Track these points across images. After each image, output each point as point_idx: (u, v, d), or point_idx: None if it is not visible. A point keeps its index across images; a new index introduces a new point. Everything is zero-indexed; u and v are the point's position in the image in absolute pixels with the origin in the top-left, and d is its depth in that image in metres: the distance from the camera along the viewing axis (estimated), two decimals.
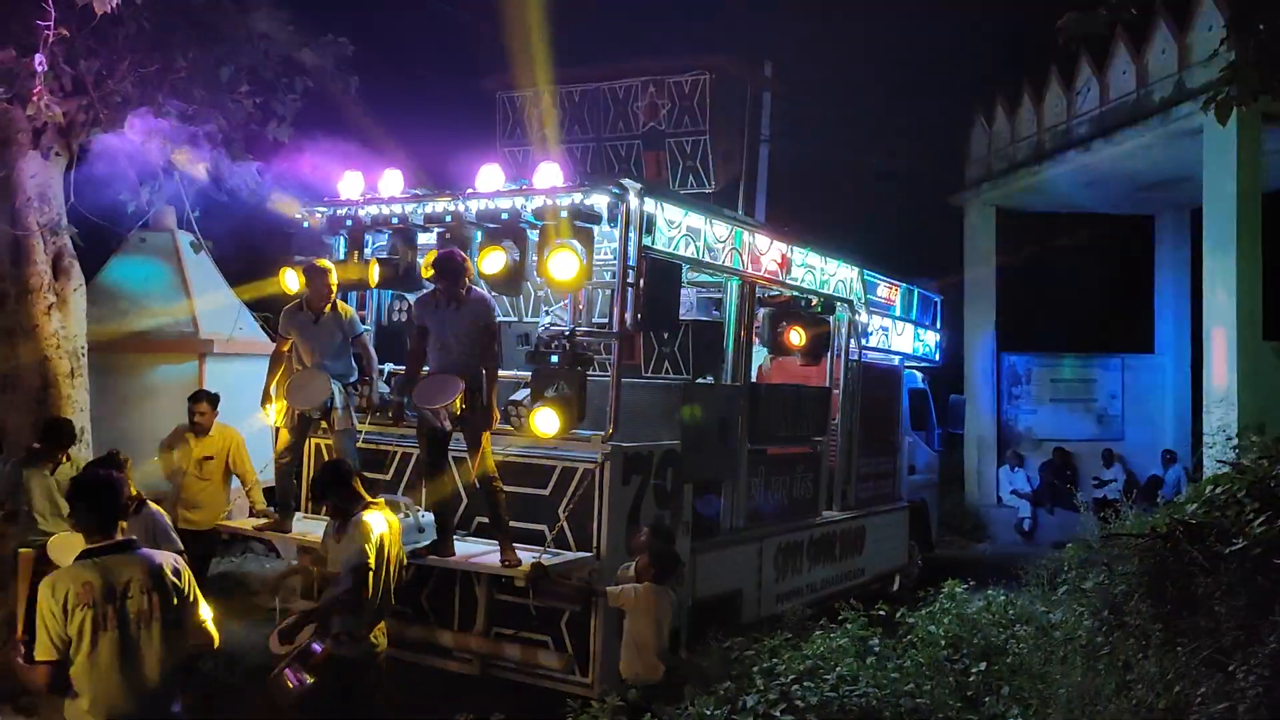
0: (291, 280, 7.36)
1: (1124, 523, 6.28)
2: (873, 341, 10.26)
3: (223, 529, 7.89)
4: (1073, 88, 14.56)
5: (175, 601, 3.97)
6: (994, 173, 16.36)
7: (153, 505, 6.21)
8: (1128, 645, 5.17)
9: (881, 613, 6.52)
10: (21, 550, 6.70)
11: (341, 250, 7.83)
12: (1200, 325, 12.37)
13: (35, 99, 6.93)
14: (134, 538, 4.12)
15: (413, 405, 6.55)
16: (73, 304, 8.08)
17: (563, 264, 6.40)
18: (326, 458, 7.09)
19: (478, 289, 6.61)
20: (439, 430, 6.49)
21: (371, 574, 4.99)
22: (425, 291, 6.75)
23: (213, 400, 8.12)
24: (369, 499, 5.36)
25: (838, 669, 5.44)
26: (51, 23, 6.71)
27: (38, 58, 6.78)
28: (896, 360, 11.14)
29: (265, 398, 7.27)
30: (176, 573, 4.02)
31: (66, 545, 6.27)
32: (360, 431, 7.12)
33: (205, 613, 4.11)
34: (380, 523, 5.20)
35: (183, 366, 10.43)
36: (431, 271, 6.58)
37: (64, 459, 7.10)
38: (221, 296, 11.04)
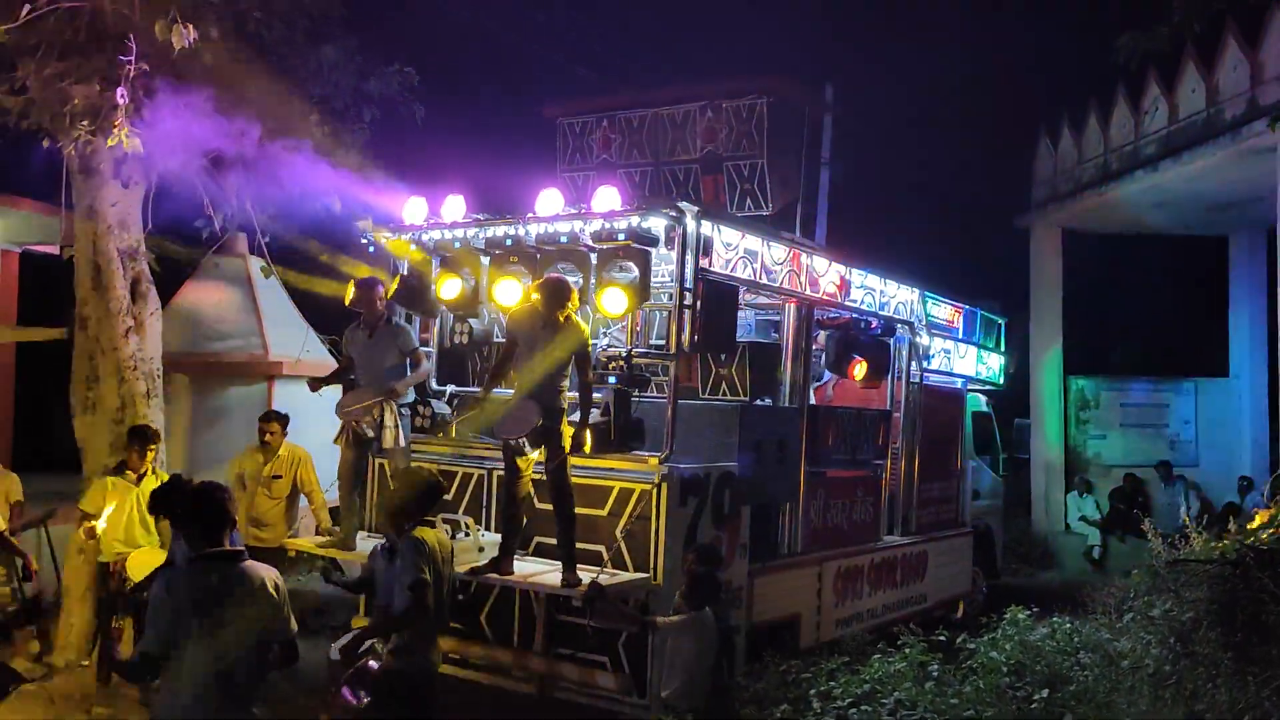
0: (351, 294, 7.48)
1: (1192, 549, 6.15)
2: (934, 364, 10.16)
3: (289, 547, 8.07)
4: (1140, 107, 14.32)
5: (271, 614, 4.19)
6: (1060, 194, 16.13)
7: None
8: (1196, 674, 5.07)
9: (942, 638, 6.43)
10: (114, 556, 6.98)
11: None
12: (1278, 347, 12.04)
13: (117, 130, 7.22)
14: (242, 549, 4.34)
15: (494, 433, 6.63)
16: (149, 327, 8.35)
17: (613, 300, 6.55)
18: (389, 476, 7.25)
19: (575, 317, 6.58)
20: (520, 452, 6.52)
21: (429, 589, 5.05)
22: (520, 308, 6.83)
23: (282, 420, 8.33)
24: (426, 518, 5.44)
25: (896, 694, 5.39)
26: (133, 58, 7.01)
27: (119, 91, 7.07)
28: (959, 383, 11.01)
29: None
30: (276, 588, 4.24)
31: (146, 559, 6.52)
32: (402, 447, 7.19)
33: (294, 628, 4.27)
34: (433, 541, 5.25)
35: (253, 388, 10.71)
36: (536, 294, 6.63)
37: (149, 472, 7.34)
38: (290, 320, 11.33)
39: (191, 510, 4.27)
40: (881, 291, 9.13)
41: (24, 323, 10.60)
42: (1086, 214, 15.91)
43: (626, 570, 6.53)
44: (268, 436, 8.24)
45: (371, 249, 8.00)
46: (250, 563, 4.26)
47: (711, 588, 5.89)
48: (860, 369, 8.89)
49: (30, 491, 7.95)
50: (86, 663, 7.33)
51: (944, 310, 10.46)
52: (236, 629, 4.08)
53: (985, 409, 11.97)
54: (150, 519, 7.23)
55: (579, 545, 6.52)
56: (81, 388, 8.14)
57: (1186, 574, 5.66)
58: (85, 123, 7.33)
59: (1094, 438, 16.73)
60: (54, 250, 9.83)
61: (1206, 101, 12.98)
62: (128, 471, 7.27)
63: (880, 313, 9.14)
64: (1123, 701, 5.22)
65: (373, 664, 5.14)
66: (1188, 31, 5.50)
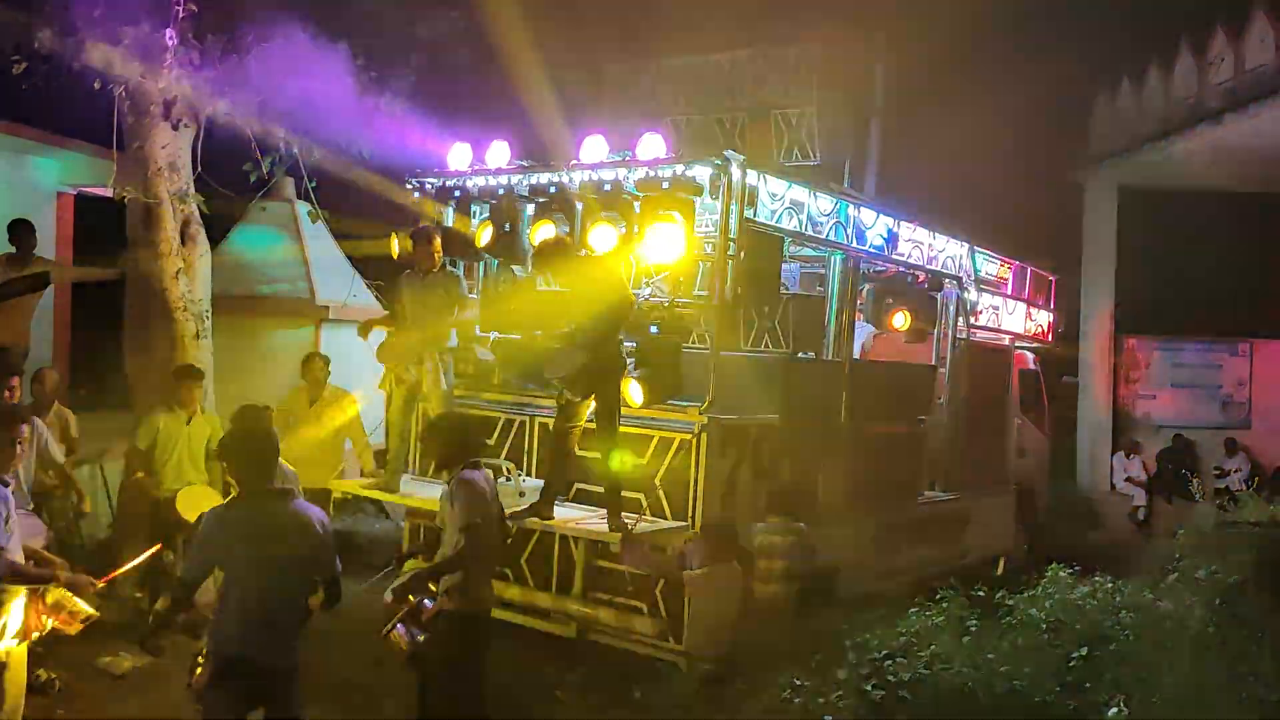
0: (398, 246, 7.51)
1: (1241, 511, 6.06)
2: (982, 320, 10.02)
3: (334, 488, 8.19)
4: (1204, 58, 13.86)
5: (319, 553, 4.28)
6: (1117, 148, 15.72)
7: None
8: (1240, 636, 5.01)
9: (981, 593, 6.40)
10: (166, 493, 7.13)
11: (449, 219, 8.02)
12: None
13: (166, 72, 7.27)
14: (291, 488, 4.43)
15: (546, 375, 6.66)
16: (198, 270, 8.45)
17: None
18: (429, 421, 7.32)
19: (609, 259, 6.53)
20: (568, 401, 6.49)
21: (481, 531, 5.08)
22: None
23: (327, 363, 8.43)
24: (473, 458, 5.47)
25: (932, 647, 5.38)
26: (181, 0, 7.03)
27: (168, 33, 7.11)
28: (1007, 340, 10.86)
29: None
30: (323, 526, 4.31)
31: (196, 497, 6.66)
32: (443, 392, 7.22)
33: (339, 567, 4.35)
34: (484, 480, 5.29)
35: (299, 331, 10.83)
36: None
37: (198, 411, 7.48)
38: (337, 264, 11.41)
39: (243, 449, 4.35)
40: (930, 245, 8.98)
41: (80, 264, 10.77)
42: (1144, 169, 15.50)
43: (665, 518, 6.56)
44: (313, 379, 8.34)
45: (418, 195, 8.01)
46: (300, 502, 4.35)
47: (726, 540, 5.91)
48: (903, 321, 8.78)
49: (84, 430, 8.12)
50: (140, 594, 7.53)
51: (993, 266, 10.29)
52: (284, 565, 4.17)
53: (1033, 367, 11.81)
54: (200, 457, 7.39)
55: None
56: (133, 328, 8.28)
57: (1234, 536, 5.58)
58: (135, 64, 7.36)
59: (1143, 397, 16.46)
60: (107, 192, 9.96)
61: (1276, 52, 12.53)
62: (178, 409, 7.41)
63: (928, 267, 9.01)
64: (1164, 662, 5.17)
65: (427, 604, 5.20)
66: None
